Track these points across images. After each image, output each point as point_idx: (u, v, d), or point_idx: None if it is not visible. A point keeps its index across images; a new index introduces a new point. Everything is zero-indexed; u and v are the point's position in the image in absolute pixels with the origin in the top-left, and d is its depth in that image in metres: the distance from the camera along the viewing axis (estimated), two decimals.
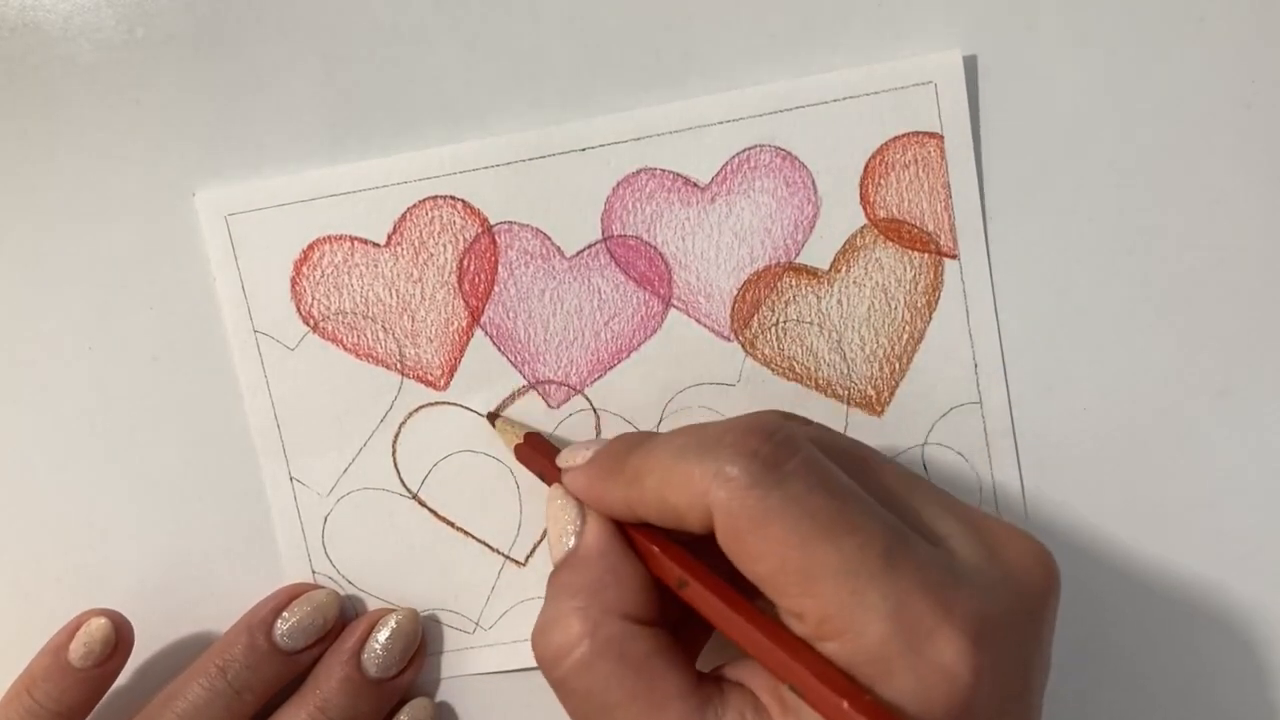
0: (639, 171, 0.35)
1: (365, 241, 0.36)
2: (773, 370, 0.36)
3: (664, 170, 0.35)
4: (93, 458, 0.36)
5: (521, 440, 0.34)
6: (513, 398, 0.36)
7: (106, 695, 0.34)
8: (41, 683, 0.33)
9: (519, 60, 0.35)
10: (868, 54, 0.35)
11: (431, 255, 0.36)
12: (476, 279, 0.36)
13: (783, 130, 0.35)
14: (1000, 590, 0.27)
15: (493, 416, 0.36)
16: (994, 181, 0.35)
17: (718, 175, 0.35)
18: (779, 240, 0.35)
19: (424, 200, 0.35)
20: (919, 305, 0.35)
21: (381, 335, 0.36)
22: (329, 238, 0.36)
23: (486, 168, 0.35)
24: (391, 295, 0.36)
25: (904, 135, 0.35)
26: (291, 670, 0.35)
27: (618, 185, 0.35)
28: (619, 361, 0.36)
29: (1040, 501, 0.36)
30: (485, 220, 0.36)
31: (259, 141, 0.35)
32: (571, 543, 0.31)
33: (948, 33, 0.35)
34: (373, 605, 0.37)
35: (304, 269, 0.36)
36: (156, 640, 0.37)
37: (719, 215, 0.35)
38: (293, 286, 0.36)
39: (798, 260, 0.36)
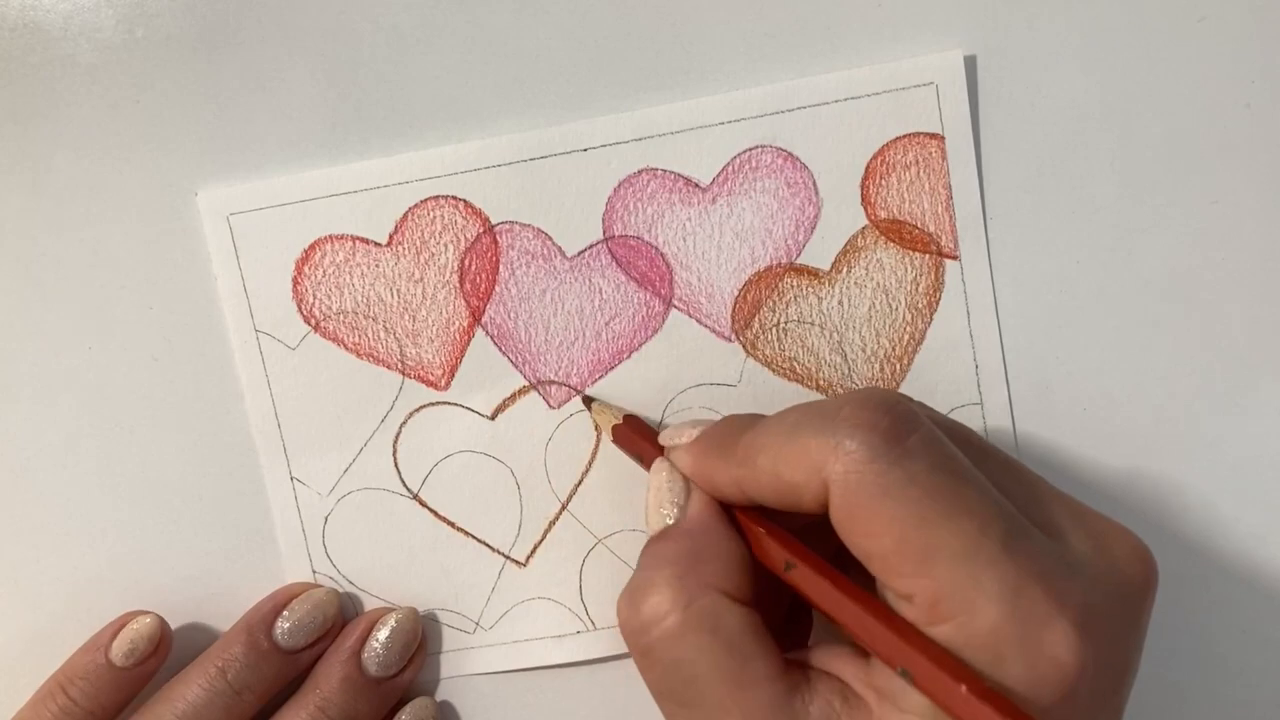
0: (640, 172, 0.35)
1: (367, 241, 0.36)
2: (773, 371, 0.36)
3: (665, 170, 0.35)
4: (93, 458, 0.36)
5: (620, 421, 0.34)
6: (513, 398, 0.36)
7: None
8: (79, 680, 0.34)
9: (520, 60, 0.35)
10: (868, 54, 0.35)
11: (433, 255, 0.36)
12: (478, 279, 0.36)
13: (784, 131, 0.35)
14: (1107, 583, 0.26)
15: (588, 400, 0.36)
16: (994, 182, 0.35)
17: (719, 175, 0.35)
18: (780, 241, 0.35)
19: (425, 200, 0.35)
20: (920, 306, 0.35)
21: (383, 335, 0.36)
22: (330, 237, 0.36)
23: (488, 168, 0.35)
24: (393, 295, 0.36)
25: (905, 136, 0.35)
26: (291, 670, 0.35)
27: (619, 185, 0.35)
28: (620, 362, 0.36)
29: None
30: (486, 220, 0.36)
31: (260, 141, 0.35)
32: (674, 515, 0.30)
33: (948, 33, 0.35)
34: (373, 605, 0.37)
35: (305, 268, 0.36)
36: None
37: (720, 215, 0.35)
38: (294, 286, 0.36)
39: (799, 261, 0.36)
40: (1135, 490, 0.36)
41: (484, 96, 0.35)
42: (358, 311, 0.36)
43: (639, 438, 0.33)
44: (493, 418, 0.36)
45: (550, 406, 0.36)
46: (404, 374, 0.36)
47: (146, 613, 0.35)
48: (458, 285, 0.36)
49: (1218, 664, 0.36)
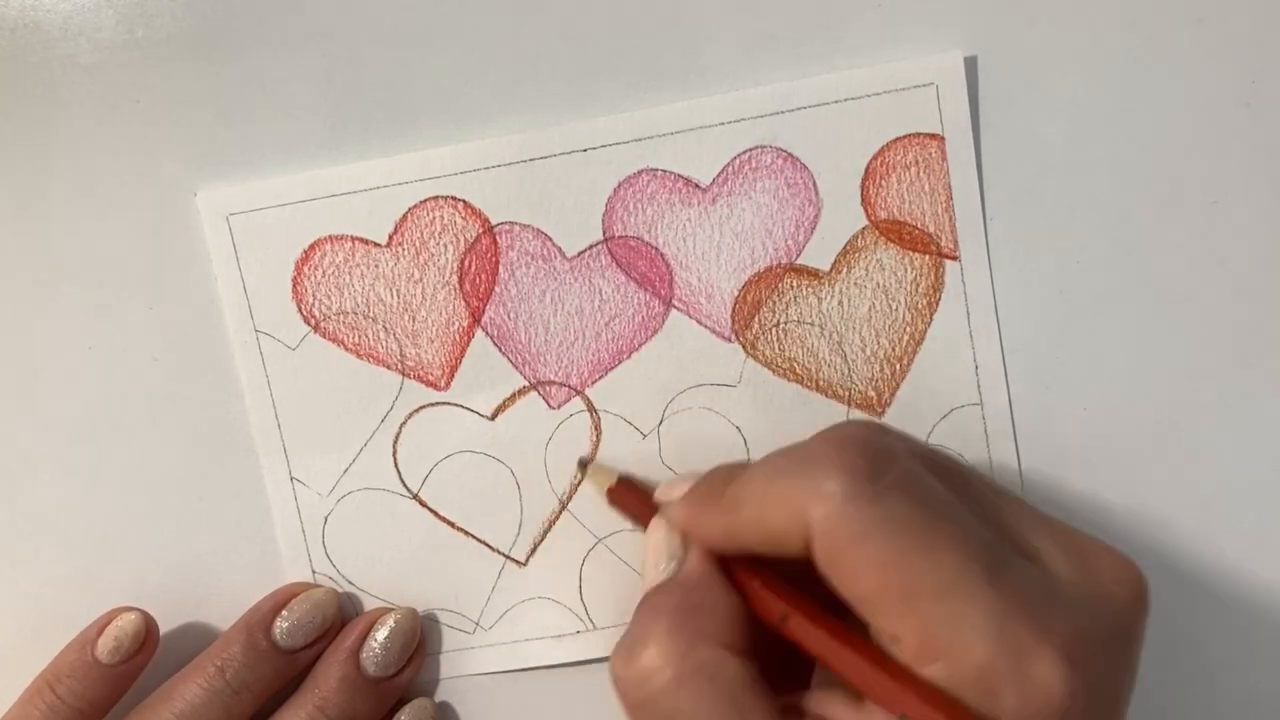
0: (640, 172, 0.35)
1: (366, 241, 0.36)
2: (773, 371, 0.36)
3: (665, 171, 0.35)
4: (93, 458, 0.36)
5: (615, 484, 0.34)
6: (513, 398, 0.36)
7: None
8: (66, 678, 0.34)
9: (520, 60, 0.35)
10: (868, 55, 0.35)
11: (433, 255, 0.36)
12: (477, 279, 0.36)
13: (784, 131, 0.35)
14: (1094, 608, 0.26)
15: (584, 464, 0.36)
16: (994, 182, 0.35)
17: (719, 176, 0.35)
18: (780, 241, 0.35)
19: (425, 200, 0.35)
20: (920, 306, 0.35)
21: (382, 335, 0.36)
22: (330, 238, 0.36)
23: (488, 168, 0.35)
24: (392, 295, 0.36)
25: (905, 136, 0.35)
26: (290, 669, 0.35)
27: (619, 186, 0.35)
28: (619, 362, 0.36)
29: (1040, 502, 0.36)
30: (486, 220, 0.36)
31: (260, 141, 0.35)
32: (670, 570, 0.30)
33: (948, 33, 0.35)
34: (372, 605, 0.37)
35: (305, 269, 0.36)
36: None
37: (720, 216, 0.35)
38: (294, 286, 0.36)
39: (799, 261, 0.36)
40: (1135, 491, 0.36)
41: (484, 96, 0.35)
42: (357, 312, 0.36)
43: (633, 499, 0.33)
44: (493, 418, 0.36)
45: (550, 407, 0.36)
46: (404, 374, 0.36)
47: (131, 609, 0.35)
48: (457, 286, 0.36)
49: (1216, 666, 0.36)
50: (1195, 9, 0.35)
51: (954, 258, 0.35)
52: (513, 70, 0.35)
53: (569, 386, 0.36)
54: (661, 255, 0.36)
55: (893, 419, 0.36)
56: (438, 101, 0.35)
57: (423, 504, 0.36)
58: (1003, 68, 0.35)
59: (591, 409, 0.36)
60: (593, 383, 0.36)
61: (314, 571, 0.36)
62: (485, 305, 0.36)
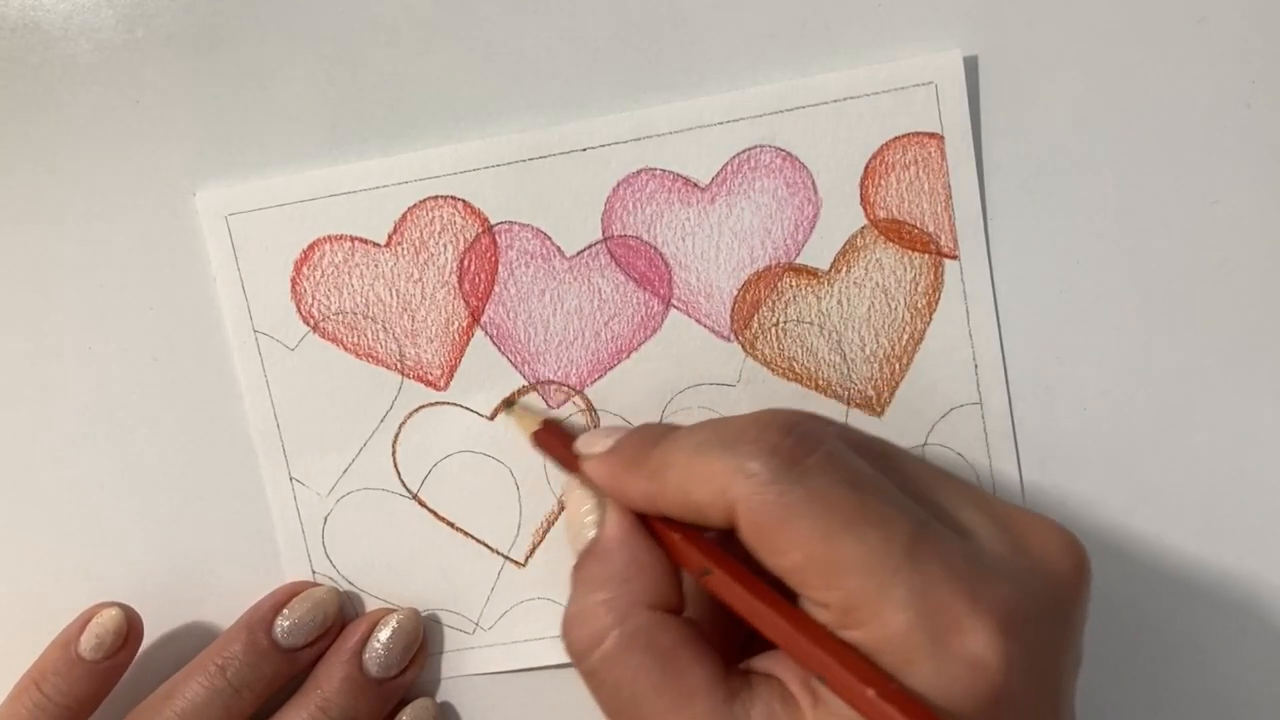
0: (639, 172, 0.35)
1: (366, 241, 0.36)
2: (773, 371, 0.36)
3: (664, 170, 0.35)
4: (93, 458, 0.36)
5: (540, 427, 0.34)
6: (513, 398, 0.36)
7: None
8: (51, 676, 0.34)
9: (519, 60, 0.35)
10: (868, 54, 0.35)
11: (432, 255, 0.36)
12: (477, 279, 0.36)
13: (783, 130, 0.35)
14: (1029, 580, 0.27)
15: (509, 402, 0.36)
16: (994, 181, 0.35)
17: (718, 175, 0.35)
18: (779, 240, 0.35)
19: (424, 200, 0.35)
20: (919, 306, 0.35)
21: (382, 335, 0.36)
22: (329, 237, 0.36)
23: (487, 168, 0.35)
24: (392, 295, 0.36)
25: (904, 136, 0.35)
26: (291, 669, 0.35)
27: (618, 185, 0.35)
28: (619, 362, 0.36)
29: (1040, 502, 0.36)
30: (485, 220, 0.36)
31: (259, 141, 0.35)
32: (592, 533, 0.30)
33: (948, 33, 0.35)
34: (373, 605, 0.37)
35: (304, 269, 0.36)
36: (156, 640, 0.37)
37: (719, 215, 0.35)
38: (293, 286, 0.36)
39: (798, 261, 0.36)
40: (1134, 491, 0.36)
41: (483, 96, 0.35)
42: (357, 312, 0.36)
43: (559, 444, 0.33)
44: (492, 418, 0.36)
45: (549, 406, 0.36)
46: (403, 374, 0.36)
47: (113, 604, 0.35)
48: (457, 285, 0.36)
49: (1214, 666, 0.36)
50: (1196, 9, 0.35)
51: (953, 257, 0.35)
52: (512, 70, 0.35)
53: (568, 386, 0.36)
54: (661, 255, 0.36)
55: (892, 418, 0.36)
56: (437, 101, 0.35)
57: (422, 504, 0.36)
58: (1003, 67, 0.35)
59: (590, 408, 0.36)
60: (592, 382, 0.36)
61: (313, 571, 0.36)
62: (485, 305, 0.36)
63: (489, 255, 0.36)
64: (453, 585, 0.36)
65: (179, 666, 0.35)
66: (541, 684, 0.37)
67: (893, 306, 0.36)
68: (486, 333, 0.36)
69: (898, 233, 0.35)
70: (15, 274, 0.36)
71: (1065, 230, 0.35)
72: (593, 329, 0.36)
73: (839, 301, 0.36)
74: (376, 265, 0.36)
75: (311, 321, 0.36)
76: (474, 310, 0.36)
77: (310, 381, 0.36)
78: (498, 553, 0.36)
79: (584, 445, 0.32)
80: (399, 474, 0.36)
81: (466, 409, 0.36)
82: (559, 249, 0.36)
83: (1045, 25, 0.35)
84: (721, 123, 0.35)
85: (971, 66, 0.35)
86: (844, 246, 0.35)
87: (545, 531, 0.36)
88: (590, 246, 0.36)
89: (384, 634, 0.35)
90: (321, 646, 0.35)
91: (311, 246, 0.36)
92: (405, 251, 0.36)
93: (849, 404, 0.36)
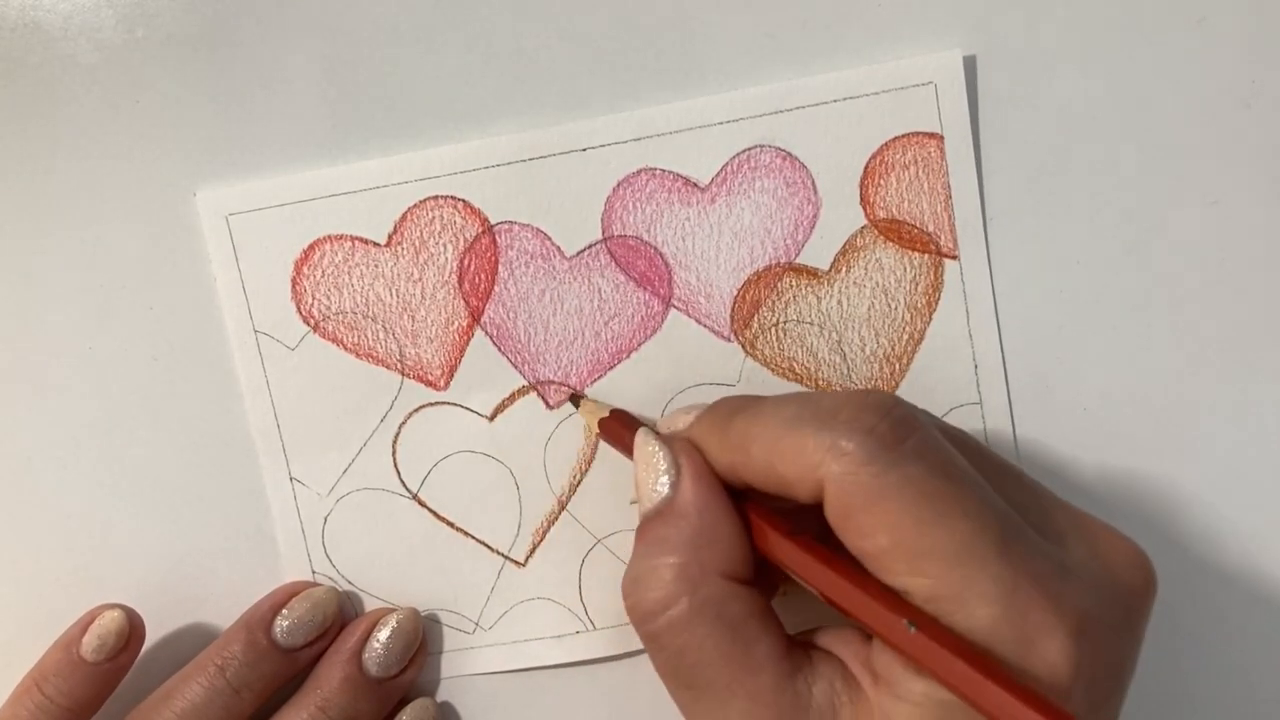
0: (639, 171, 0.35)
1: (366, 241, 0.36)
2: (773, 371, 0.36)
3: (664, 170, 0.35)
4: (93, 458, 0.36)
5: (607, 415, 0.34)
6: (512, 398, 0.36)
7: None
8: (52, 677, 0.34)
9: (519, 60, 0.35)
10: (868, 54, 0.35)
11: (432, 255, 0.36)
12: (477, 279, 0.36)
13: (783, 130, 0.35)
14: (1105, 589, 0.26)
15: (575, 398, 0.36)
16: (994, 181, 0.35)
17: (718, 175, 0.35)
18: (779, 240, 0.35)
19: (424, 200, 0.35)
20: (919, 305, 0.35)
21: (382, 335, 0.36)
22: (329, 237, 0.36)
23: (487, 168, 0.35)
24: (392, 295, 0.36)
25: (904, 135, 0.35)
26: (290, 668, 0.35)
27: (618, 185, 0.35)
28: (619, 362, 0.36)
29: None
30: (486, 220, 0.36)
31: (259, 141, 0.35)
32: (666, 492, 0.30)
33: (948, 33, 0.35)
34: (372, 605, 0.37)
35: (304, 269, 0.36)
36: (156, 640, 0.37)
37: (719, 215, 0.35)
38: (293, 286, 0.36)
39: (798, 260, 0.36)
40: (1134, 490, 0.36)
41: (483, 96, 0.35)
42: (357, 311, 0.36)
43: (626, 430, 0.33)
44: (492, 418, 0.36)
45: (549, 406, 0.36)
46: (403, 374, 0.36)
47: (115, 606, 0.35)
48: (457, 285, 0.36)
49: (1217, 664, 0.36)
50: (1195, 9, 0.35)
51: (953, 257, 0.35)
52: (512, 70, 0.35)
53: (568, 386, 0.36)
54: (661, 254, 0.36)
55: None
56: (437, 101, 0.35)
57: (422, 504, 0.36)
58: (1003, 67, 0.35)
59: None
60: (592, 382, 0.36)
61: (313, 571, 0.36)
62: (484, 305, 0.36)
63: (489, 255, 0.36)
64: (453, 585, 0.36)
65: (179, 667, 0.35)
66: (542, 684, 0.37)
67: (893, 306, 0.36)
68: (486, 333, 0.36)
69: (897, 233, 0.35)
70: (15, 274, 0.36)
71: (1065, 230, 0.35)
72: (593, 329, 0.36)
73: (839, 301, 0.36)
74: (376, 265, 0.36)
75: (312, 321, 0.36)
76: (474, 310, 0.36)
77: (310, 381, 0.36)
78: (498, 553, 0.36)
79: (666, 425, 0.32)
80: (399, 474, 0.36)
81: (466, 409, 0.36)
82: (559, 249, 0.36)
83: (1045, 25, 0.35)
84: (721, 123, 0.35)
85: (971, 66, 0.35)
86: (844, 246, 0.35)
87: (545, 531, 0.36)
88: (590, 246, 0.36)
89: (384, 634, 0.35)
90: (321, 646, 0.35)
91: (312, 246, 0.36)
92: (405, 251, 0.36)
93: None
